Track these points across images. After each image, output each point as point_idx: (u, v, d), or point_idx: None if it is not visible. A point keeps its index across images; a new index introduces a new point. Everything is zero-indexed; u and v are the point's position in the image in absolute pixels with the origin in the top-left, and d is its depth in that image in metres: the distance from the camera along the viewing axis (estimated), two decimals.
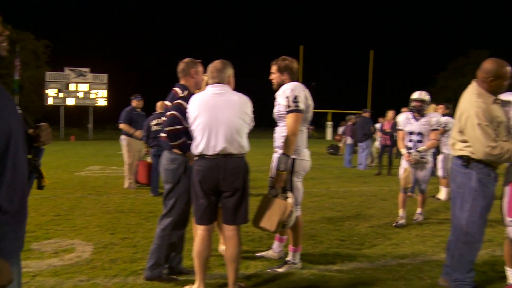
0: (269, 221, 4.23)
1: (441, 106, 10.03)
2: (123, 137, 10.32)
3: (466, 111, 3.88)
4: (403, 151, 6.93)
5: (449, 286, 4.12)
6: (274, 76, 4.73)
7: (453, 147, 4.09)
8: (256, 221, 4.32)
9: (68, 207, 7.97)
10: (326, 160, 19.50)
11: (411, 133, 6.92)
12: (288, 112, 4.42)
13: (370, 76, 43.27)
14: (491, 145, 3.71)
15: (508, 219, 3.98)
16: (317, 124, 55.92)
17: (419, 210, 7.32)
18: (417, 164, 6.93)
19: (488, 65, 3.90)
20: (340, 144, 21.72)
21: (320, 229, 6.55)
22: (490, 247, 5.66)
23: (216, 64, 4.07)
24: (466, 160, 3.96)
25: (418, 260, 5.15)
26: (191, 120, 3.97)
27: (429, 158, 6.99)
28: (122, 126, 10.14)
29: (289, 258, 4.78)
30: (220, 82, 4.03)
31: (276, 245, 5.18)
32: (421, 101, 6.89)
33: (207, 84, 4.12)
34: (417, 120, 6.89)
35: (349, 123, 17.51)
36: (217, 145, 3.85)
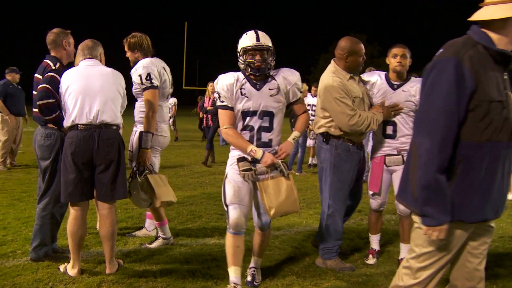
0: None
1: (314, 87, 10.18)
2: None
3: (323, 88, 4.13)
4: (250, 147, 3.49)
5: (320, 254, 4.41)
6: (128, 55, 4.70)
7: (316, 125, 4.35)
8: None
9: None
10: None
11: (249, 113, 3.56)
12: (144, 90, 4.43)
13: None
14: (350, 114, 3.96)
15: (370, 192, 4.39)
16: (185, 100, 55.96)
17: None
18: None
19: (343, 42, 4.16)
20: None
21: (199, 204, 6.70)
22: (358, 217, 6.17)
23: (87, 42, 4.07)
24: (325, 136, 4.22)
25: (292, 231, 5.47)
26: (63, 91, 3.88)
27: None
28: None
29: (158, 233, 4.82)
30: (92, 57, 4.02)
31: (148, 223, 5.17)
32: (263, 49, 3.49)
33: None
34: (259, 89, 3.56)
35: None
36: (91, 111, 3.81)
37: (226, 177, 3.61)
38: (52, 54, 4.35)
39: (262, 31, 3.54)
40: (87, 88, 3.83)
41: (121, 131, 4.14)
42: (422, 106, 2.32)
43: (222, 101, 3.56)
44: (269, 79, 3.59)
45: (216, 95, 3.60)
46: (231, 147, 3.62)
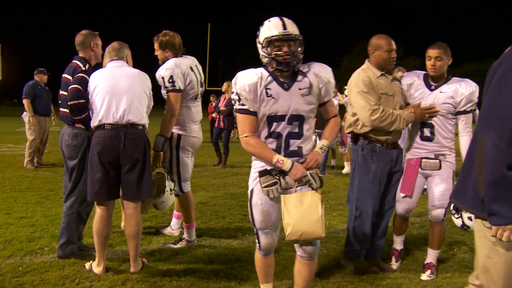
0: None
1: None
2: (25, 113, 9.80)
3: (350, 83, 4.11)
4: (276, 157, 2.96)
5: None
6: (158, 53, 4.62)
7: (346, 124, 4.30)
8: None
9: None
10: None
11: (276, 118, 2.99)
12: (167, 92, 4.39)
13: None
14: (372, 108, 3.87)
15: (400, 194, 4.21)
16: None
17: None
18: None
19: (372, 39, 4.10)
20: None
21: (223, 205, 6.71)
22: None
23: (113, 44, 4.14)
24: (353, 137, 4.19)
25: None
26: (91, 91, 3.94)
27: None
28: (24, 101, 9.61)
29: (184, 235, 4.83)
30: (119, 59, 4.09)
31: (174, 222, 5.22)
32: (291, 40, 2.91)
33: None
34: (287, 88, 2.99)
35: None
36: (118, 111, 3.86)
37: (251, 195, 3.11)
38: (81, 55, 4.41)
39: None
40: (114, 88, 3.88)
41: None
42: (489, 101, 2.20)
43: (243, 104, 2.98)
44: (299, 76, 3.02)
45: (234, 96, 3.01)
46: (253, 157, 3.15)
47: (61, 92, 4.32)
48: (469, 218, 4.13)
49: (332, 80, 3.13)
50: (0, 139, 16.09)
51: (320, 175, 3.06)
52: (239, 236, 5.19)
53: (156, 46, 4.60)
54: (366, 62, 4.14)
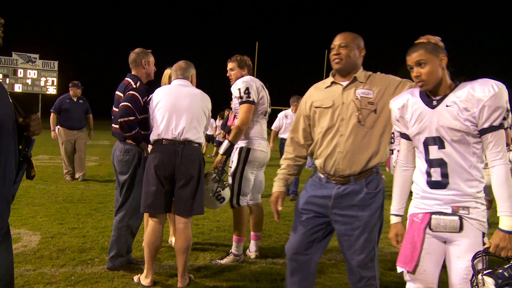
0: None
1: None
2: (57, 127, 9.81)
3: None
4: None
5: None
6: (233, 72, 4.85)
7: None
8: None
9: None
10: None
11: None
12: (240, 103, 4.58)
13: (324, 75, 43.99)
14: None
15: (399, 270, 2.72)
16: (272, 120, 56.65)
17: None
18: None
19: None
20: None
21: (269, 223, 6.68)
22: None
23: (180, 63, 4.28)
24: None
25: None
26: (153, 106, 4.06)
27: None
28: (51, 115, 9.69)
29: (232, 249, 4.86)
30: (184, 78, 4.21)
31: (251, 243, 5.16)
32: None
33: (169, 79, 4.43)
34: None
35: None
36: (177, 128, 3.96)
37: None
38: (133, 72, 4.54)
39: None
40: (175, 105, 3.99)
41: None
42: None
43: None
44: None
45: None
46: None
47: (114, 108, 4.45)
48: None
49: None
50: (54, 151, 16.63)
51: None
52: (284, 255, 5.12)
53: (233, 66, 4.85)
54: None
